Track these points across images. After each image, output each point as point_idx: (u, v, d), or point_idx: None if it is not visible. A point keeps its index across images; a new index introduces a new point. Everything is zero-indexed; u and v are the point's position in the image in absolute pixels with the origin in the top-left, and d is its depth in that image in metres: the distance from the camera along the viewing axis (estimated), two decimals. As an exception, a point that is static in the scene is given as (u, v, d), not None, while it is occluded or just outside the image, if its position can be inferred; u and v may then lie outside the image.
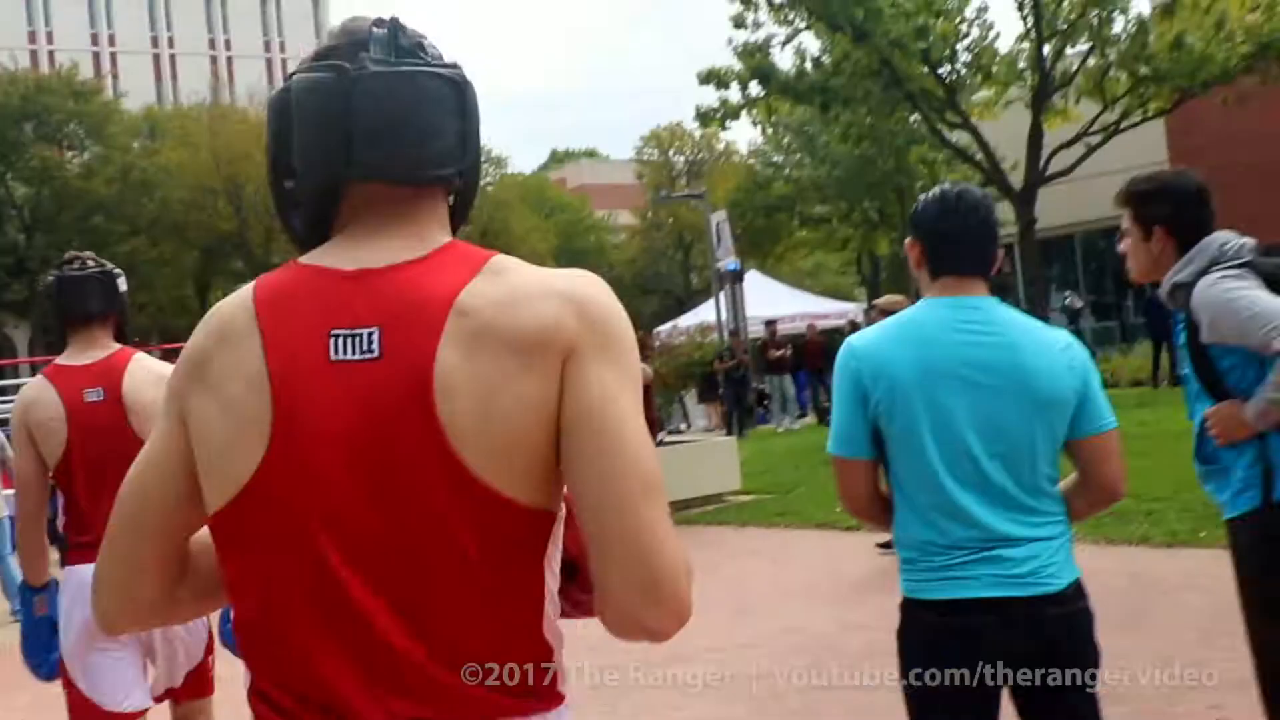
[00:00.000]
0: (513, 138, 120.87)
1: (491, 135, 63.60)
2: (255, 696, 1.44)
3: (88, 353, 3.54)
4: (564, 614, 1.52)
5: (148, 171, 40.41)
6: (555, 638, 1.46)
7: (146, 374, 3.51)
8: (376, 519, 1.37)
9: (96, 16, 56.96)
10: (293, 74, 1.50)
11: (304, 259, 1.48)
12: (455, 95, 1.46)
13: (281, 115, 1.50)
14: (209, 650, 3.71)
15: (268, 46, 62.21)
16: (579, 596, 1.50)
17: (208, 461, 1.42)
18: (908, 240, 2.80)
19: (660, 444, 12.15)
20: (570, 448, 1.37)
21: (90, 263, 3.65)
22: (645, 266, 53.24)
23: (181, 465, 1.46)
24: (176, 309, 43.00)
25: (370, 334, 1.37)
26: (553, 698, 1.44)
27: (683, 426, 22.72)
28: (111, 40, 57.65)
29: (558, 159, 72.14)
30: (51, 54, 51.15)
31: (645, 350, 15.81)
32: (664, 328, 27.72)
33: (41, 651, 3.55)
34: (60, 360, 3.57)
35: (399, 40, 1.46)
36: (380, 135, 1.42)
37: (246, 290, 1.47)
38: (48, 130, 40.10)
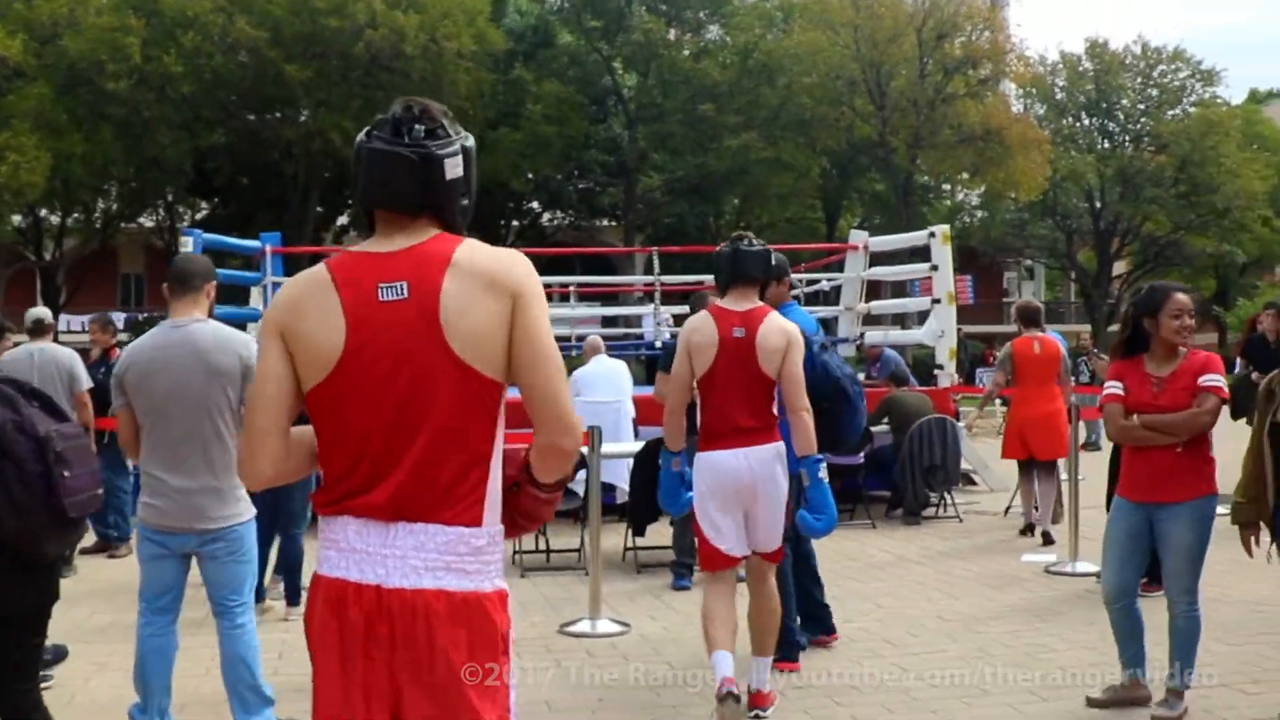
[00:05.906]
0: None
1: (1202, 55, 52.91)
2: (318, 507, 2.49)
3: (741, 304, 5.33)
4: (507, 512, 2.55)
5: (772, 55, 33.29)
6: (493, 484, 2.47)
7: (773, 325, 5.25)
8: (405, 390, 2.39)
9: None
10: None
11: (354, 248, 2.55)
12: (421, 161, 2.46)
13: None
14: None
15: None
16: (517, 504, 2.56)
17: (306, 361, 2.44)
18: None
19: None
20: (517, 355, 2.41)
21: (756, 243, 5.48)
22: None
23: (287, 368, 2.47)
24: (801, 233, 35.64)
25: (402, 284, 2.40)
26: (477, 521, 2.43)
27: None
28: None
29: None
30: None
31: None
32: None
33: (674, 495, 5.50)
34: (721, 303, 5.42)
35: (399, 123, 2.49)
36: (370, 183, 2.50)
37: (320, 266, 2.51)
38: (657, 4, 34.07)
